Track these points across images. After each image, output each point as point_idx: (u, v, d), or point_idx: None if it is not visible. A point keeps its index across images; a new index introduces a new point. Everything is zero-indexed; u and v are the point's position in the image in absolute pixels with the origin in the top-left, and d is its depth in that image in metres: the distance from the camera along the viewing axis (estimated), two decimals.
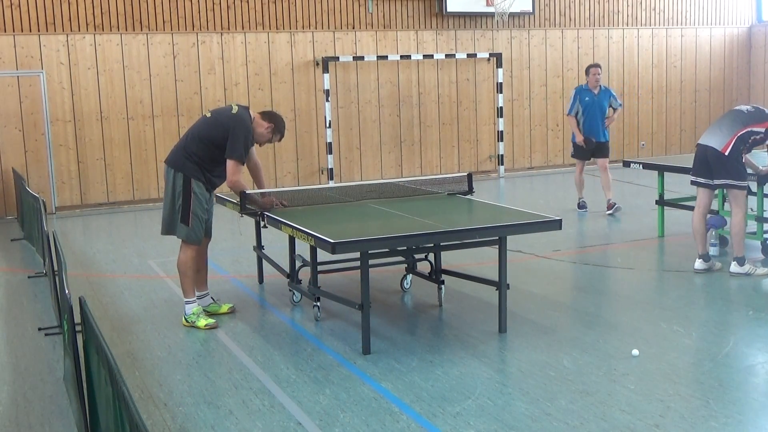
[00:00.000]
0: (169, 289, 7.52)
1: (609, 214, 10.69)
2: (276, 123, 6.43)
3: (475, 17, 15.14)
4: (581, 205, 11.18)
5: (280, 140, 6.60)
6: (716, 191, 7.72)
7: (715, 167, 7.29)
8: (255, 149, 6.64)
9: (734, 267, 7.38)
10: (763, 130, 7.28)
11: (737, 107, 7.65)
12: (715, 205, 8.39)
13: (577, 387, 4.87)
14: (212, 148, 6.23)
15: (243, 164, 6.32)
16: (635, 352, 5.44)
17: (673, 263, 8.04)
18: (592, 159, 11.13)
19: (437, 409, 4.61)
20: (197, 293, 6.54)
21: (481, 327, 6.09)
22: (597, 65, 11.03)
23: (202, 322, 6.25)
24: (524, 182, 14.64)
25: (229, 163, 6.19)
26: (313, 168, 14.20)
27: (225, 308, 6.64)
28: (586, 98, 10.86)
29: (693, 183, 7.58)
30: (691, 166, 7.75)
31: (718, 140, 7.25)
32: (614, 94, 11.13)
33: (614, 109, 11.05)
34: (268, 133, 6.42)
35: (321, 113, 14.09)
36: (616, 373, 5.09)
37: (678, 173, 8.88)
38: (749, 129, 7.23)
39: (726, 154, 7.17)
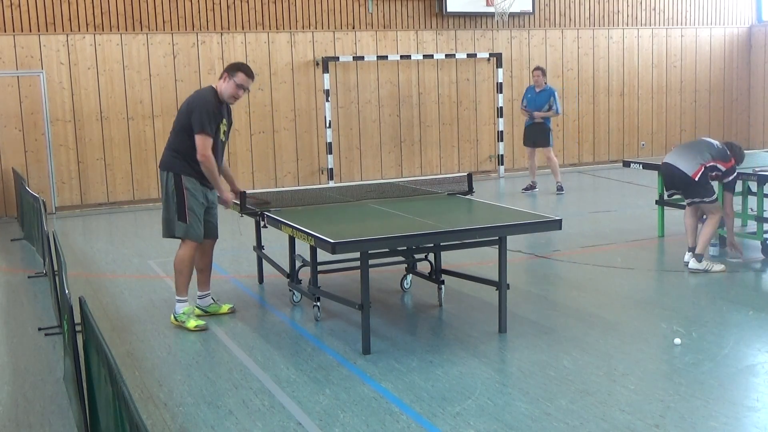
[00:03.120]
0: (169, 289, 7.52)
1: (523, 190, 13.03)
2: (230, 68, 6.23)
3: (475, 17, 15.14)
4: (528, 187, 13.04)
5: (248, 83, 6.21)
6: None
7: (684, 189, 7.62)
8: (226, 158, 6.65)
9: (693, 264, 7.57)
10: (724, 168, 7.54)
11: (709, 139, 7.89)
12: None
13: (577, 387, 4.87)
14: (190, 136, 6.15)
15: (211, 138, 6.12)
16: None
17: (673, 263, 8.04)
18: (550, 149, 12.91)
19: (437, 409, 4.61)
20: (199, 293, 6.56)
21: (481, 327, 6.09)
22: (537, 68, 12.84)
23: (192, 323, 6.23)
24: (524, 182, 14.62)
25: (197, 138, 6.07)
26: (313, 168, 14.20)
27: (225, 308, 6.64)
28: (529, 95, 12.90)
29: (671, 197, 8.07)
30: None
31: (688, 165, 7.50)
32: (556, 97, 12.70)
33: (550, 108, 12.64)
34: (229, 85, 6.17)
35: (321, 113, 14.10)
36: (616, 373, 5.09)
37: None
38: (714, 164, 7.50)
39: (696, 179, 7.45)
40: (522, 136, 13.33)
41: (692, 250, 7.63)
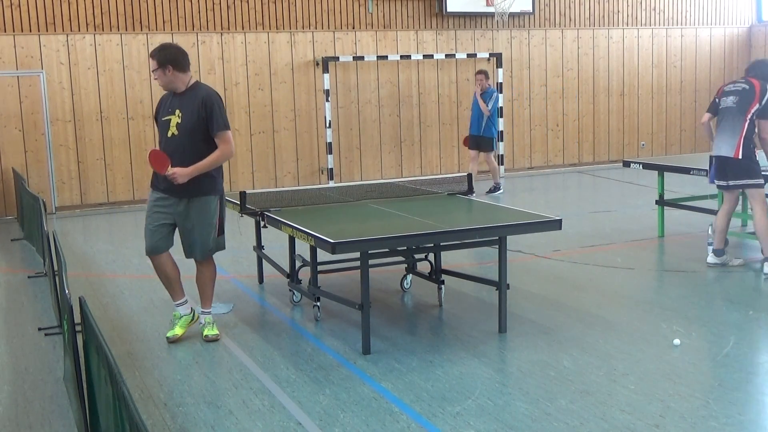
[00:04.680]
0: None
1: (487, 193, 12.92)
2: None
3: (475, 17, 15.13)
4: (493, 188, 13.04)
5: (151, 65, 5.79)
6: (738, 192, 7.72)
7: (730, 170, 7.40)
8: (218, 138, 5.71)
9: (727, 259, 7.64)
10: (756, 105, 7.28)
11: (726, 105, 7.50)
12: (715, 205, 8.39)
13: (577, 387, 4.87)
14: None
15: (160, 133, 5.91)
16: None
17: (673, 263, 8.04)
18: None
19: (437, 409, 4.61)
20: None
21: (481, 327, 6.09)
22: (479, 72, 12.77)
23: (170, 332, 5.99)
24: (524, 182, 14.63)
25: None
26: (313, 168, 14.20)
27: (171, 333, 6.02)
28: (473, 99, 12.85)
29: (719, 187, 7.67)
30: (690, 166, 8.07)
31: (728, 148, 7.35)
32: (492, 97, 12.57)
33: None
34: (155, 77, 5.82)
35: (321, 113, 14.09)
36: (616, 373, 5.09)
37: (678, 173, 8.89)
38: (749, 116, 7.29)
39: (739, 157, 7.29)
40: (468, 140, 12.99)
41: (716, 251, 7.62)
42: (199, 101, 5.71)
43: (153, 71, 5.77)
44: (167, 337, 5.96)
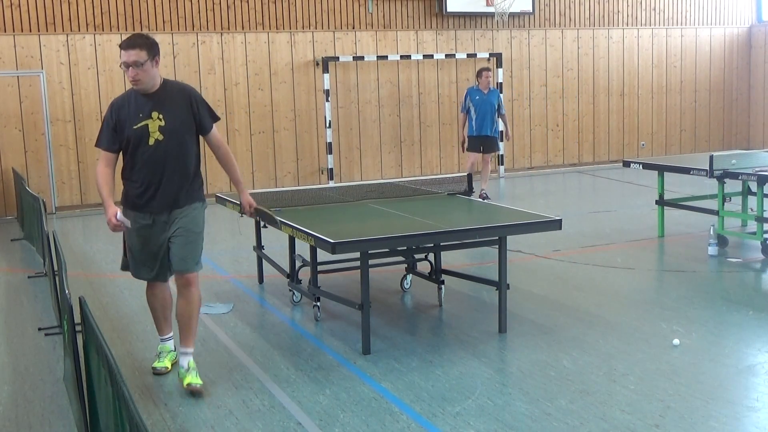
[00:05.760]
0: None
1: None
2: None
3: (475, 17, 15.14)
4: (483, 197, 11.54)
5: (124, 57, 4.87)
6: None
7: None
8: (214, 135, 5.17)
9: None
10: None
11: None
12: (715, 205, 8.40)
13: (577, 387, 4.87)
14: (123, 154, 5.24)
15: (104, 151, 5.28)
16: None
17: (673, 263, 8.04)
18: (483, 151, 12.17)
19: (437, 409, 4.61)
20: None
21: (481, 327, 6.09)
22: (488, 69, 12.22)
23: (159, 363, 5.37)
24: (524, 182, 14.64)
25: None
26: (313, 168, 14.20)
27: (164, 363, 5.39)
28: (477, 97, 11.99)
29: None
30: (690, 166, 8.11)
31: None
32: (501, 98, 12.25)
33: (501, 115, 12.12)
34: (134, 74, 4.91)
35: (321, 113, 14.09)
36: (616, 373, 5.09)
37: (678, 173, 8.88)
38: None
39: None
40: (471, 142, 11.98)
41: None
42: (185, 97, 5.06)
43: (134, 65, 4.84)
44: (155, 368, 5.29)
